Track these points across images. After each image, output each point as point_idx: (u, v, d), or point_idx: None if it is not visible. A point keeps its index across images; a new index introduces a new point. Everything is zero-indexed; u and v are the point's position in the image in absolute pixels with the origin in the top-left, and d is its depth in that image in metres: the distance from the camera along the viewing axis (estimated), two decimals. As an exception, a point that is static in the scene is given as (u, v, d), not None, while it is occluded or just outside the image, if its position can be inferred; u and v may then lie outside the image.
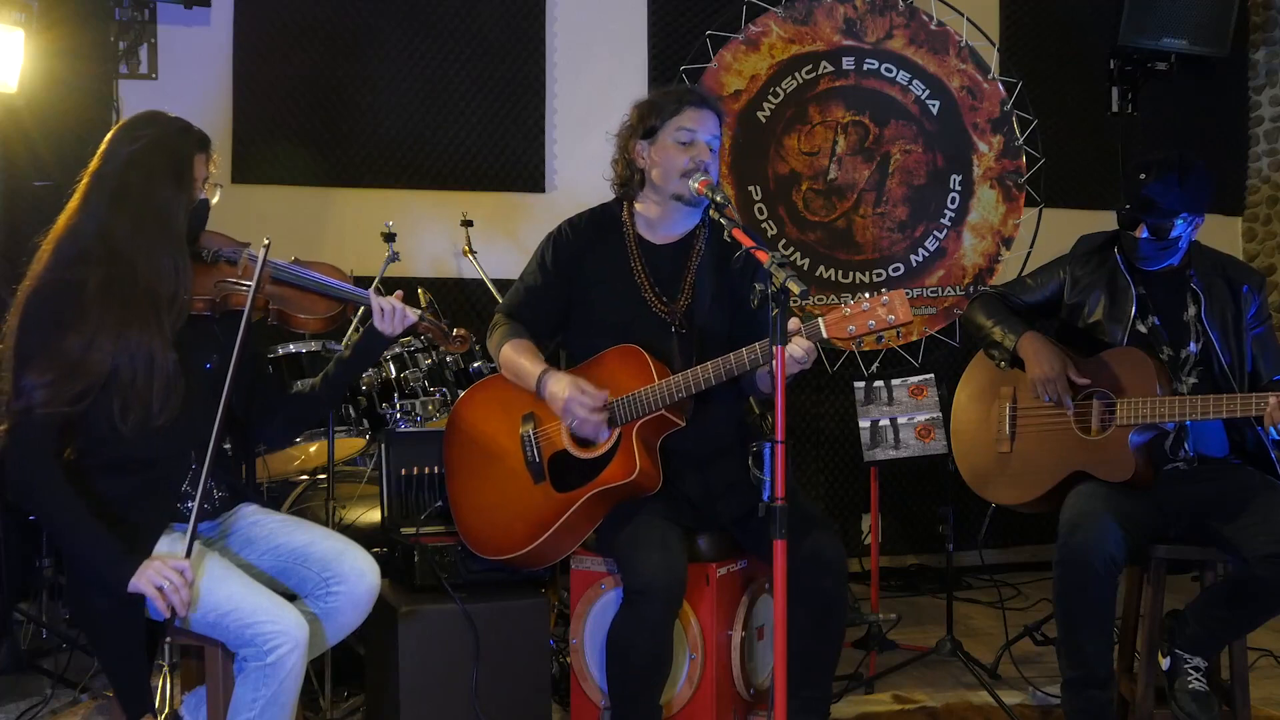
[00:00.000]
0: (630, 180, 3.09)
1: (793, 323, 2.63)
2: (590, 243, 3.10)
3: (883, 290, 2.60)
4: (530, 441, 2.99)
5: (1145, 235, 3.16)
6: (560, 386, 2.89)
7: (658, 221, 3.09)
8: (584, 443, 2.94)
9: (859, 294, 2.65)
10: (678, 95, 3.07)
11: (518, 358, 3.00)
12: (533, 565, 3.02)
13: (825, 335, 2.64)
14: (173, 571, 2.36)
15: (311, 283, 2.75)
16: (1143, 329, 3.22)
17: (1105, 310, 3.25)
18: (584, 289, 3.08)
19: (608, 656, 2.84)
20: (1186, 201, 3.12)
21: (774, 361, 2.24)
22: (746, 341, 2.78)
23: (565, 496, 2.90)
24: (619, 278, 3.05)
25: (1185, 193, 3.11)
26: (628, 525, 2.86)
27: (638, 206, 3.11)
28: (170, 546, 2.47)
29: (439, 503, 3.28)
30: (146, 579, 2.36)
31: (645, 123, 3.04)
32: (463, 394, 3.23)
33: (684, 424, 2.92)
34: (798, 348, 2.65)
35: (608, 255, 3.07)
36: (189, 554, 2.42)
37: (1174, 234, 3.15)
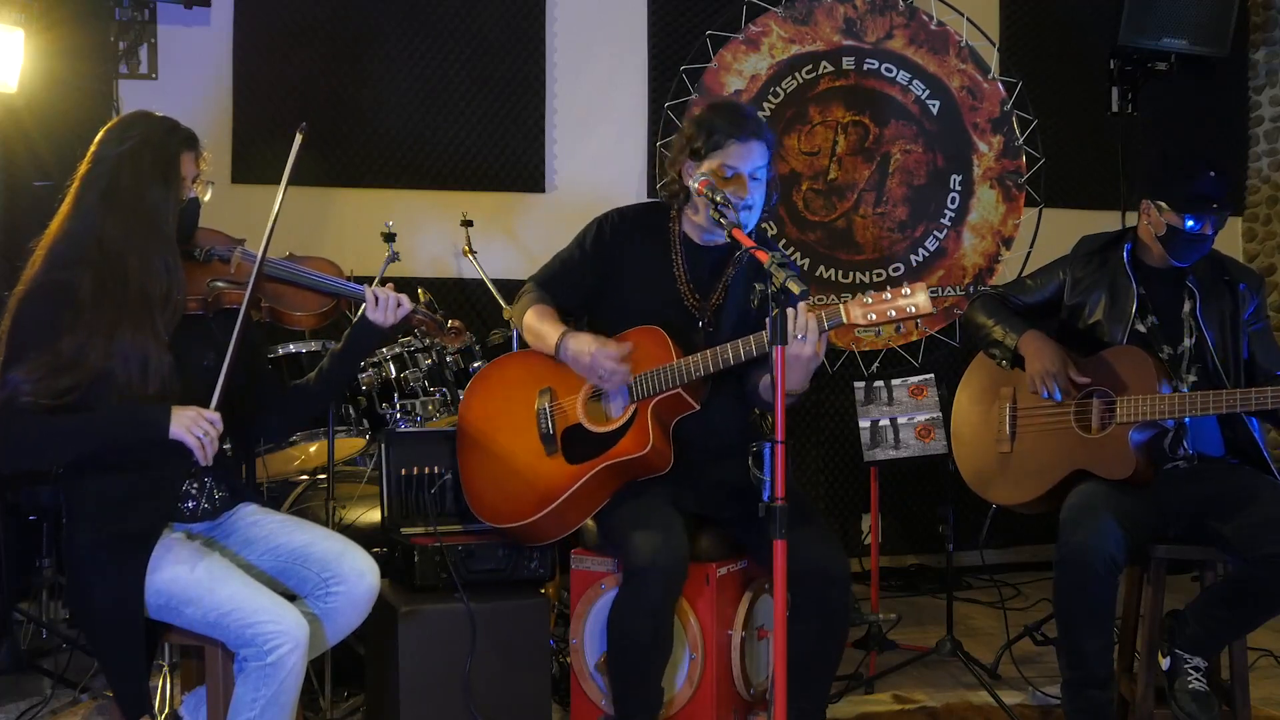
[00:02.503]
0: (677, 194, 3.08)
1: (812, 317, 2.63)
2: (635, 232, 3.14)
3: (905, 282, 2.61)
4: (546, 414, 3.03)
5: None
6: (582, 344, 2.94)
7: (702, 229, 3.09)
8: (598, 418, 2.98)
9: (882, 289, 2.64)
10: (727, 126, 2.96)
11: (539, 322, 3.06)
12: (536, 539, 3.03)
13: (846, 321, 2.63)
14: (207, 424, 2.43)
15: (303, 278, 2.75)
16: (1142, 329, 3.23)
17: (1105, 310, 3.26)
18: (620, 274, 3.11)
19: (608, 639, 2.84)
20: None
21: (774, 361, 2.25)
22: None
23: (577, 468, 2.93)
24: (657, 268, 3.09)
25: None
26: (630, 507, 2.89)
27: (686, 212, 3.10)
28: (170, 547, 2.47)
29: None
30: (186, 429, 2.41)
31: (693, 143, 3.01)
32: (479, 371, 3.25)
33: (698, 407, 2.94)
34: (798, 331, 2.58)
35: (650, 246, 3.11)
36: (216, 406, 2.47)
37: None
